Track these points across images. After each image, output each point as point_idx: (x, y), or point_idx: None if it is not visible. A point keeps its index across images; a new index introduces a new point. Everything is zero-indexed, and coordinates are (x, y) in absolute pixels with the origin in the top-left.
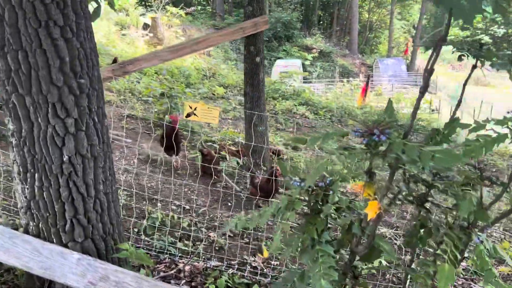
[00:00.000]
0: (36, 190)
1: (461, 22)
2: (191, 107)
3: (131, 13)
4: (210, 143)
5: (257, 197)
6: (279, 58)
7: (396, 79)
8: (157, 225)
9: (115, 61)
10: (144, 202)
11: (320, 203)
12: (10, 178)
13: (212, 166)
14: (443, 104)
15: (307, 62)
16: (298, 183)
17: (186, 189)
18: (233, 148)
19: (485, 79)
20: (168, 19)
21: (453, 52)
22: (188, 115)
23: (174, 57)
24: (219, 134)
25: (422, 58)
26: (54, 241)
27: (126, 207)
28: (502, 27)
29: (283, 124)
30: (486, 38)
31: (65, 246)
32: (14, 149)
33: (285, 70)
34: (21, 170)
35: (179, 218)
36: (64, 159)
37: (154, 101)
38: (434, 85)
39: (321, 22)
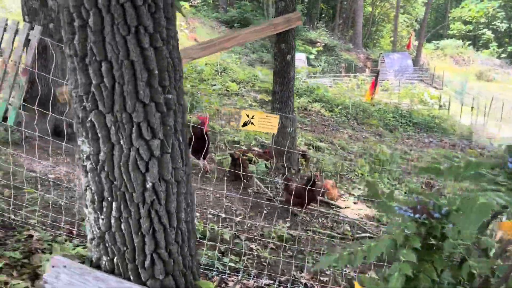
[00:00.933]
0: (113, 221)
1: (464, 16)
2: (248, 116)
3: None
4: (234, 144)
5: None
6: None
7: (403, 74)
8: (198, 237)
9: None
10: None
11: (435, 237)
12: (42, 188)
13: (242, 173)
14: (449, 99)
15: (312, 56)
16: (410, 214)
17: (218, 195)
18: (258, 150)
19: (489, 74)
20: None
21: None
22: (245, 124)
23: (203, 55)
24: (242, 135)
25: (424, 53)
26: (131, 278)
27: None
28: (505, 21)
29: (302, 122)
30: (488, 33)
31: (144, 284)
32: (89, 174)
33: None
34: (96, 198)
35: (216, 228)
36: (147, 186)
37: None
38: (440, 80)
39: (323, 16)
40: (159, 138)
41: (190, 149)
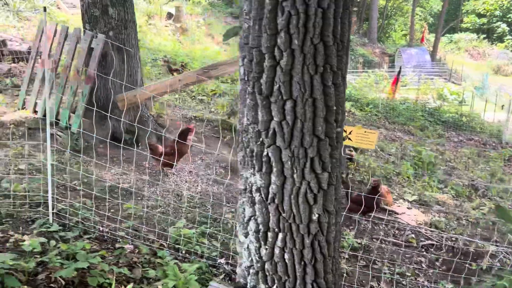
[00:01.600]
0: (277, 251)
1: (478, 8)
2: (345, 131)
3: (154, 2)
4: None
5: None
6: None
7: (421, 70)
8: None
9: (169, 67)
10: None
11: None
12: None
13: None
14: (470, 95)
15: None
16: None
17: None
18: None
19: (507, 69)
20: (191, 7)
21: None
22: (343, 140)
23: None
24: None
25: (439, 47)
26: None
27: None
28: None
29: None
30: (503, 26)
31: None
32: (256, 205)
33: None
34: (261, 228)
35: None
36: (313, 217)
37: (208, 100)
38: (457, 75)
39: None
40: (327, 171)
41: None
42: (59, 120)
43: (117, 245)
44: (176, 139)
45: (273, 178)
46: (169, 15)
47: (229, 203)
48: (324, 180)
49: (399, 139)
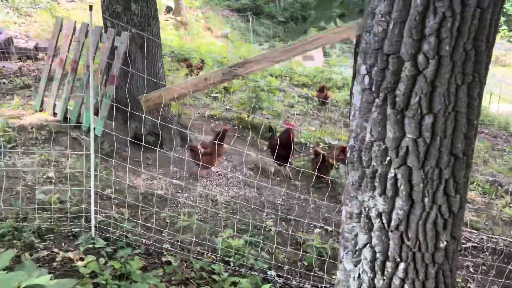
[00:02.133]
0: (397, 282)
1: None
2: None
3: None
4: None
5: None
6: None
7: None
8: (322, 259)
9: (189, 64)
10: (283, 224)
11: None
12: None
13: (327, 177)
14: None
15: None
16: None
17: (310, 205)
18: (324, 152)
19: (504, 59)
20: (190, 1)
21: None
22: None
23: (286, 58)
24: (310, 135)
25: None
26: None
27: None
28: None
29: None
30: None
31: None
32: (374, 232)
33: (307, 53)
34: (378, 257)
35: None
36: (441, 245)
37: (222, 98)
38: None
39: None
40: (460, 193)
41: (275, 155)
42: (80, 123)
43: (163, 259)
44: (216, 141)
45: (399, 202)
46: (168, 9)
47: (264, 208)
48: (456, 204)
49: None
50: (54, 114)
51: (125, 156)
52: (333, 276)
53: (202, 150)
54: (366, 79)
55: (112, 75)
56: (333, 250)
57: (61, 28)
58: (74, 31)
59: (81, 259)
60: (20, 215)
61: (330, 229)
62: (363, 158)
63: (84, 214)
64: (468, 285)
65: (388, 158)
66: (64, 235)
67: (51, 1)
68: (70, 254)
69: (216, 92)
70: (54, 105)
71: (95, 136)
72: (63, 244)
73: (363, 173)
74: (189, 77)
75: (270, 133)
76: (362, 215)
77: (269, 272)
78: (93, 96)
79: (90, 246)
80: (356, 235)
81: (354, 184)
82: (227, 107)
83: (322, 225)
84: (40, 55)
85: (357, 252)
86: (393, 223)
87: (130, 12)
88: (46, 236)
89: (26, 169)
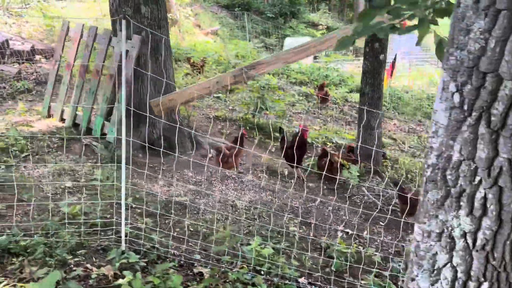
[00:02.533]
0: None
1: None
2: None
3: None
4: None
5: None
6: (286, 36)
7: (410, 56)
8: (348, 263)
9: (193, 64)
10: (303, 227)
11: None
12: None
13: (338, 176)
14: None
15: None
16: None
17: (321, 206)
18: (347, 153)
19: None
20: None
21: None
22: None
23: (298, 58)
24: (316, 134)
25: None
26: None
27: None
28: None
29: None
30: None
31: None
32: (457, 252)
33: None
34: (460, 277)
35: (362, 250)
36: None
37: (224, 98)
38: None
39: None
40: None
41: (287, 157)
42: (91, 129)
43: (195, 270)
44: (236, 145)
45: (486, 222)
46: None
47: (284, 212)
48: None
49: (414, 130)
50: (62, 120)
51: (140, 162)
52: (362, 282)
53: (228, 151)
54: (456, 97)
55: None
56: (357, 254)
57: (68, 31)
58: (81, 34)
59: (115, 275)
60: (50, 230)
61: (350, 232)
62: (448, 177)
63: (114, 227)
64: None
65: (478, 178)
66: (94, 249)
67: (41, 0)
68: (104, 270)
69: (219, 92)
70: (62, 111)
71: (108, 143)
72: (93, 259)
73: (448, 192)
74: (190, 76)
75: (280, 134)
76: (444, 235)
77: (300, 280)
78: (104, 102)
79: (124, 261)
80: (435, 254)
81: (435, 203)
82: (231, 107)
83: (342, 229)
84: (37, 57)
85: (435, 272)
86: (479, 243)
87: (140, 15)
88: (77, 252)
89: (49, 180)
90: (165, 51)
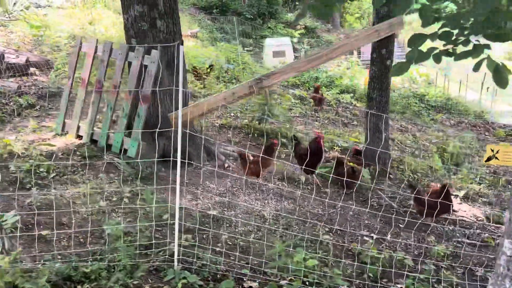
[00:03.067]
0: None
1: None
2: (492, 150)
3: None
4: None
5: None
6: (265, 36)
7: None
8: (381, 268)
9: (197, 72)
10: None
11: None
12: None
13: (360, 182)
14: (436, 76)
15: (294, 40)
16: None
17: (343, 212)
18: (338, 155)
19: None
20: None
21: None
22: (489, 159)
23: (311, 66)
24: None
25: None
26: None
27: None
28: None
29: (347, 118)
30: (451, 5)
31: None
32: None
33: (278, 49)
34: None
35: (393, 254)
36: None
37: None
38: None
39: None
40: None
41: (304, 165)
42: (110, 145)
43: (245, 285)
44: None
45: None
46: None
47: (308, 219)
48: None
49: (406, 129)
50: (79, 136)
51: (163, 176)
52: (398, 285)
53: (251, 158)
54: None
55: (144, 95)
56: (389, 259)
57: (80, 47)
58: (96, 50)
59: None
60: (107, 255)
61: (375, 236)
62: None
63: (167, 247)
64: None
65: None
66: (147, 271)
67: (23, 9)
68: None
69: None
70: (78, 127)
71: (128, 158)
72: (149, 280)
73: None
74: (193, 84)
75: (294, 141)
76: None
77: None
78: (124, 117)
79: (184, 281)
80: None
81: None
82: (232, 114)
83: (367, 233)
84: (31, 69)
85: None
86: None
87: (156, 29)
88: (133, 274)
89: (82, 201)
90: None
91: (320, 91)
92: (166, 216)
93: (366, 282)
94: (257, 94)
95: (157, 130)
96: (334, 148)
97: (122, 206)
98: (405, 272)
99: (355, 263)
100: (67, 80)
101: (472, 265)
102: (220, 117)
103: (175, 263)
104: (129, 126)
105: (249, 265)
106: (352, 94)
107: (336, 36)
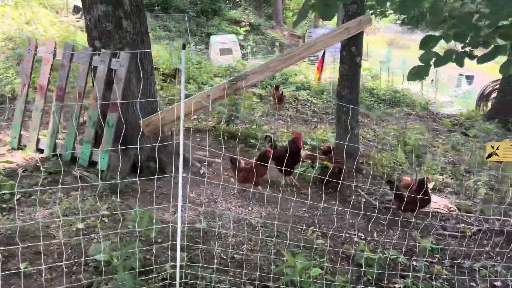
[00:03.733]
0: None
1: None
2: (493, 147)
3: None
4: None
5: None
6: (210, 34)
7: (332, 50)
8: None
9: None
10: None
11: None
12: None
13: (343, 182)
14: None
15: (240, 37)
16: None
17: (326, 212)
18: (310, 153)
19: (398, 42)
20: None
21: None
22: (490, 156)
23: (285, 66)
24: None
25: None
26: None
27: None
28: None
29: (306, 114)
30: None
31: None
32: None
33: (225, 47)
34: None
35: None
36: None
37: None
38: (365, 51)
39: None
40: None
41: (280, 166)
42: (75, 157)
43: None
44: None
45: None
46: (76, 9)
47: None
48: None
49: (364, 123)
50: (39, 150)
51: (135, 188)
52: (395, 285)
53: (243, 164)
54: None
55: (113, 103)
56: (383, 259)
57: (36, 50)
58: (55, 53)
59: None
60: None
61: (363, 236)
62: None
63: (168, 270)
64: (496, 268)
65: None
66: None
67: None
68: None
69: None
70: (38, 140)
71: (101, 171)
72: None
73: None
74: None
75: (269, 143)
76: None
77: None
78: (91, 126)
79: None
80: None
81: None
82: (196, 116)
83: (355, 233)
84: None
85: None
86: None
87: (122, 30)
88: None
89: (57, 223)
90: (149, 67)
91: (280, 89)
92: (158, 235)
93: (367, 287)
94: (232, 94)
95: (139, 138)
96: (305, 147)
97: (108, 226)
98: (405, 273)
99: (350, 268)
100: (21, 87)
101: (458, 256)
102: (185, 121)
103: (177, 286)
104: (96, 136)
105: (255, 282)
106: (308, 91)
107: (281, 33)
